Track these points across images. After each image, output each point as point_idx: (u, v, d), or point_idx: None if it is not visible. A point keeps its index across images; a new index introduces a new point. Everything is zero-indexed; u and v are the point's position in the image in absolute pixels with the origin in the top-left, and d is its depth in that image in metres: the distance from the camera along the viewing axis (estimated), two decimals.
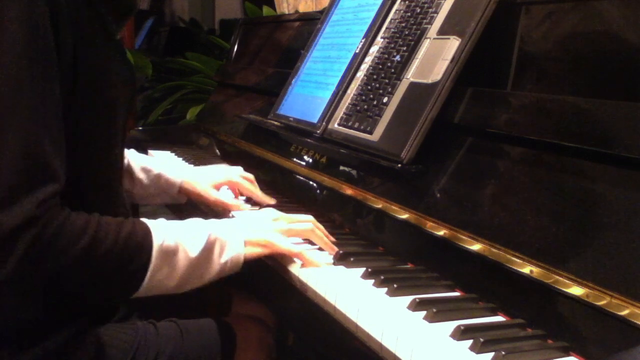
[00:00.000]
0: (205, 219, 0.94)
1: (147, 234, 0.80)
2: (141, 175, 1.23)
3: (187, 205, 1.33)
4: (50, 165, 0.72)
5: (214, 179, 1.27)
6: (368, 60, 1.25)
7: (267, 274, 1.01)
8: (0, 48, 0.70)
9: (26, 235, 0.68)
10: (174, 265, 0.82)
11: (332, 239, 1.01)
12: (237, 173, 1.30)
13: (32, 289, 0.74)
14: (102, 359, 0.86)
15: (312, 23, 1.63)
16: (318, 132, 1.28)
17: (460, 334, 0.71)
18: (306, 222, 1.00)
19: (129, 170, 1.22)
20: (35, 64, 0.72)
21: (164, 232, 0.82)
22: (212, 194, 1.24)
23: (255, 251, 0.92)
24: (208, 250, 0.86)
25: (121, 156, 0.97)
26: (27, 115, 0.71)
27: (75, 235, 0.73)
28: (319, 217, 1.17)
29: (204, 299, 1.14)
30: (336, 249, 0.97)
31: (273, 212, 1.01)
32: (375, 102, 1.15)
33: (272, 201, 1.27)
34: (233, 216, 1.17)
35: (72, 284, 0.76)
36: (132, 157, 1.25)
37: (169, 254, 0.81)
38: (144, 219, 0.84)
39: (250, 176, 1.31)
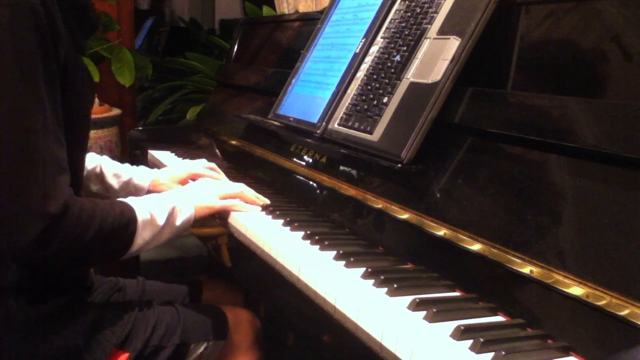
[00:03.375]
0: None
1: (132, 210, 1.00)
2: (112, 180, 1.35)
3: None
4: (63, 160, 0.91)
5: (177, 175, 1.40)
6: (368, 60, 1.25)
7: (268, 275, 1.02)
8: (20, 69, 0.85)
9: (64, 219, 0.87)
10: (149, 231, 1.02)
11: (266, 200, 1.22)
12: (199, 165, 1.42)
13: (64, 261, 0.93)
14: (101, 325, 1.04)
15: (312, 23, 1.63)
16: (318, 132, 1.28)
17: (460, 334, 0.71)
18: (237, 187, 1.21)
19: (101, 176, 1.34)
20: (45, 76, 0.88)
21: (140, 207, 1.02)
22: None
23: (202, 212, 1.14)
24: (170, 216, 1.06)
25: (86, 147, 1.12)
26: (46, 125, 0.88)
27: (90, 218, 0.92)
28: (319, 217, 1.18)
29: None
30: (260, 204, 1.20)
31: (209, 180, 1.26)
32: (375, 102, 1.15)
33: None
34: None
35: (88, 255, 0.96)
36: (104, 163, 1.35)
37: (147, 223, 1.01)
38: (121, 199, 1.03)
39: (213, 165, 1.43)
